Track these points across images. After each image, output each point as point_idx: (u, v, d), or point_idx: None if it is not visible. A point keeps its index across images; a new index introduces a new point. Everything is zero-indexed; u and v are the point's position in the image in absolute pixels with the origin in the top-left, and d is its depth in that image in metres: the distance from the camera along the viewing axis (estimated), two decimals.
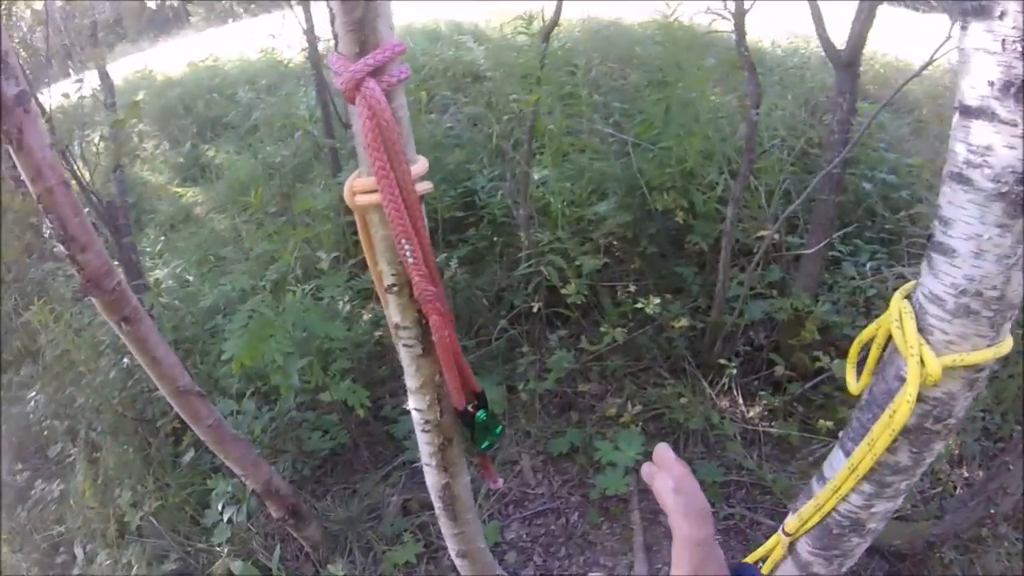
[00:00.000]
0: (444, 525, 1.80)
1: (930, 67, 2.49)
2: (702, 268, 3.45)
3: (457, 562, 1.99)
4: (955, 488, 2.84)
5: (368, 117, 0.98)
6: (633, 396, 3.22)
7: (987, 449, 2.91)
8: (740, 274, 3.17)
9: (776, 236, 2.96)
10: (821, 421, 2.86)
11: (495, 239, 3.64)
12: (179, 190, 5.11)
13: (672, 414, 3.07)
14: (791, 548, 1.69)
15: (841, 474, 1.46)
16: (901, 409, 1.23)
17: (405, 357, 1.31)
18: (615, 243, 3.43)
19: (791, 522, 1.65)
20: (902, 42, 5.92)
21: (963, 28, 1.05)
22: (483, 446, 1.48)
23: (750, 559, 1.85)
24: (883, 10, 3.07)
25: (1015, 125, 0.99)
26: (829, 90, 4.23)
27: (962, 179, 1.09)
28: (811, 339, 2.91)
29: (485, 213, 3.59)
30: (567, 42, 5.57)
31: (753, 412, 3.11)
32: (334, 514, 2.77)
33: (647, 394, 3.22)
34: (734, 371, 3.08)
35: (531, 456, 3.09)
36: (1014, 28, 0.96)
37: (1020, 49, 0.96)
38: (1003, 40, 0.97)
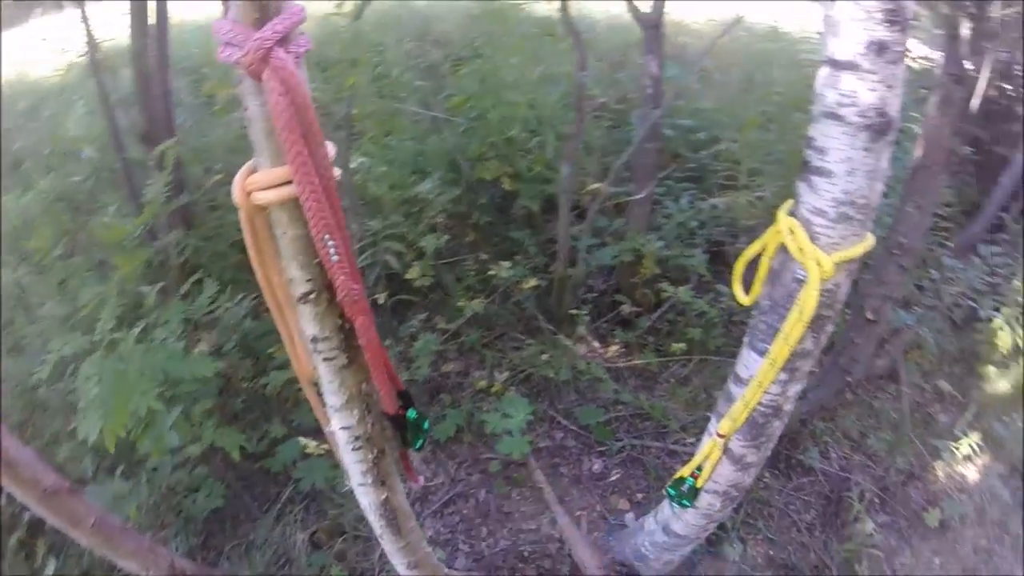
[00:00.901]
0: (388, 542, 1.72)
1: (707, 24, 2.85)
2: (534, 229, 3.59)
3: (407, 574, 1.92)
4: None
5: (281, 94, 0.84)
6: (497, 364, 3.29)
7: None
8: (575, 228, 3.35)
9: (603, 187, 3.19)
10: (673, 345, 3.21)
11: None
12: None
13: (540, 371, 3.20)
14: (725, 448, 1.92)
15: (763, 369, 1.69)
16: (808, 303, 1.51)
17: (327, 372, 1.20)
18: (448, 220, 3.42)
19: (724, 424, 1.87)
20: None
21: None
22: (417, 446, 1.43)
23: (687, 470, 2.03)
24: None
25: (875, 74, 1.31)
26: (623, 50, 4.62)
27: (835, 117, 1.38)
28: (650, 274, 3.22)
29: None
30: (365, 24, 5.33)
31: (611, 352, 3.37)
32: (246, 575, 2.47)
33: (510, 359, 3.30)
34: (586, 318, 3.30)
35: (417, 450, 3.01)
36: (877, 1, 1.25)
37: (880, 17, 1.26)
38: (868, 11, 1.27)
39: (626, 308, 3.33)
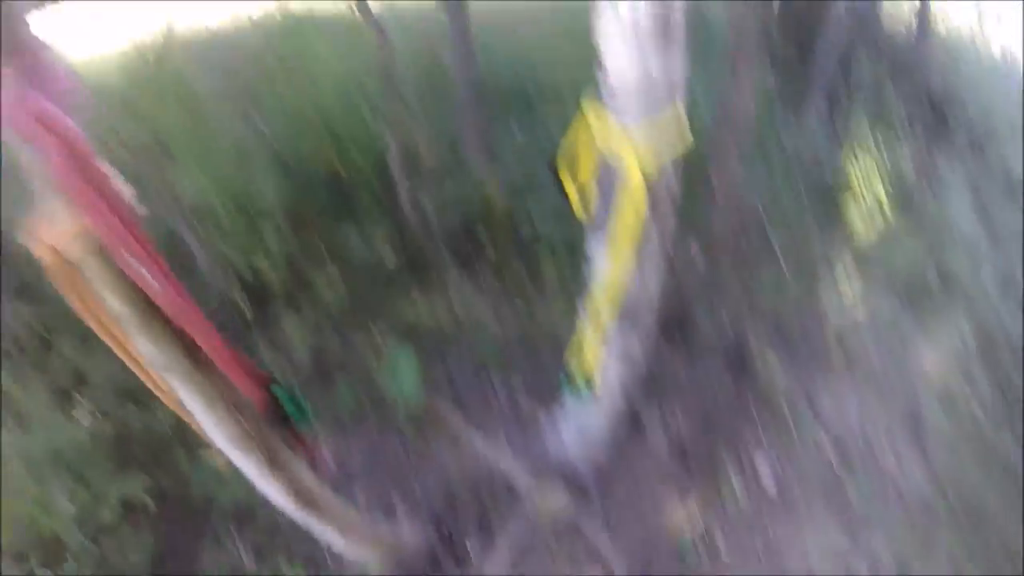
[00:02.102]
0: (314, 524, 1.78)
1: None
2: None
3: (347, 547, 2.00)
4: None
5: (58, 149, 0.86)
6: (382, 333, 3.37)
7: None
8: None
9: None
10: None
11: None
12: None
13: (422, 326, 3.32)
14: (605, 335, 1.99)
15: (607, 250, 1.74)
16: (632, 184, 1.52)
17: (179, 385, 1.25)
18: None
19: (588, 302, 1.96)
20: None
21: None
22: (305, 419, 1.49)
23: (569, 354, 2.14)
24: None
25: None
26: None
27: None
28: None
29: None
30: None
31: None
32: None
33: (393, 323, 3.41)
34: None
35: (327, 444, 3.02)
36: None
37: None
38: None
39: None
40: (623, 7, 1.38)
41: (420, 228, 3.38)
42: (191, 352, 1.18)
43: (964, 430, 2.82)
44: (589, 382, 2.15)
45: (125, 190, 1.03)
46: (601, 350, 2.05)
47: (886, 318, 3.33)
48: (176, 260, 3.25)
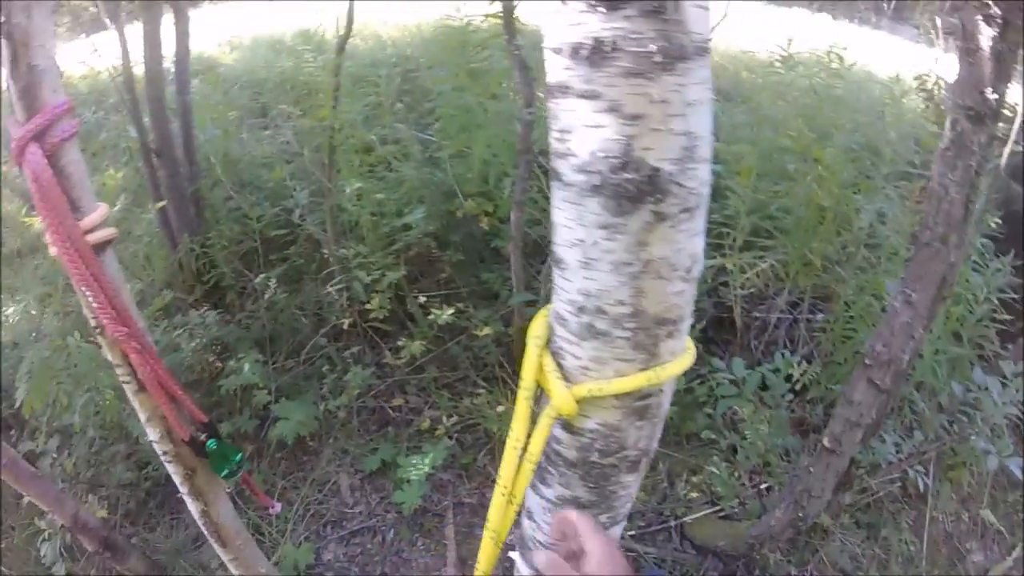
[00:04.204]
0: (220, 552, 1.83)
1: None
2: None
3: None
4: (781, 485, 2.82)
5: (32, 180, 1.06)
6: (448, 408, 3.22)
7: (810, 443, 2.91)
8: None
9: None
10: None
11: (314, 255, 3.58)
12: (27, 219, 4.67)
13: (487, 423, 3.09)
14: None
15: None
16: (536, 440, 1.02)
17: (128, 392, 1.38)
18: (423, 253, 3.45)
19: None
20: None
21: None
22: (223, 474, 1.54)
23: None
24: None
25: (597, 97, 0.77)
26: None
27: (555, 174, 0.87)
28: None
29: (301, 230, 3.51)
30: (376, 51, 5.52)
31: None
32: (163, 545, 2.76)
33: (462, 405, 3.22)
34: None
35: (349, 475, 3.08)
36: None
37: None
38: None
39: None
40: None
41: (524, 323, 3.18)
42: (136, 371, 1.31)
43: None
44: None
45: (97, 213, 1.17)
46: None
47: None
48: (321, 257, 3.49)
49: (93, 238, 1.15)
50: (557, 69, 0.81)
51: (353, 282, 3.18)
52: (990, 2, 1.65)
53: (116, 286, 1.22)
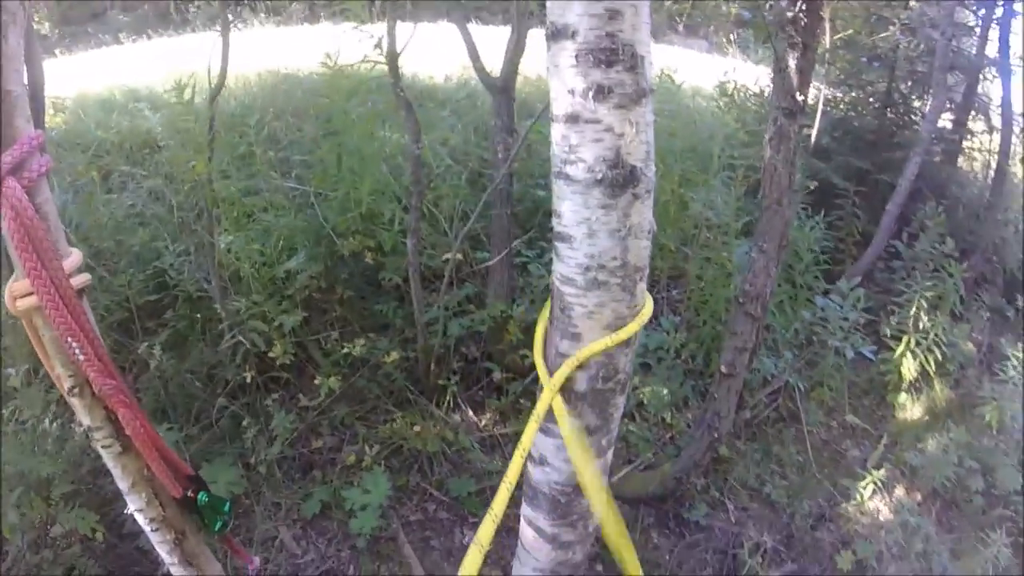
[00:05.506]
0: None
1: None
2: (402, 301, 3.59)
3: None
4: (687, 427, 3.30)
5: (12, 218, 0.95)
6: (368, 439, 3.25)
7: (698, 387, 3.43)
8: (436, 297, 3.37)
9: (461, 255, 3.26)
10: None
11: (196, 316, 3.44)
12: None
13: (409, 444, 3.16)
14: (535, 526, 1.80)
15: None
16: (543, 400, 1.44)
17: (107, 459, 1.27)
18: (314, 295, 3.46)
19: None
20: None
21: (548, 50, 1.26)
22: (216, 529, 1.46)
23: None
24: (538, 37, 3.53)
25: (598, 123, 1.22)
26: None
27: (564, 176, 1.30)
28: (516, 340, 3.26)
29: (179, 291, 3.38)
30: (245, 99, 5.37)
31: (485, 420, 3.35)
32: None
33: (380, 433, 3.26)
34: (455, 388, 3.28)
35: (288, 526, 2.98)
36: (584, 43, 1.18)
37: (594, 60, 1.18)
38: (578, 52, 1.18)
39: (497, 375, 3.35)
40: None
41: (432, 339, 3.30)
42: (119, 425, 1.20)
43: None
44: None
45: (74, 258, 1.08)
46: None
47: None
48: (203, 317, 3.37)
49: (76, 283, 1.07)
50: (567, 103, 1.24)
51: (251, 333, 3.12)
52: (793, 32, 2.39)
53: (99, 337, 1.13)
